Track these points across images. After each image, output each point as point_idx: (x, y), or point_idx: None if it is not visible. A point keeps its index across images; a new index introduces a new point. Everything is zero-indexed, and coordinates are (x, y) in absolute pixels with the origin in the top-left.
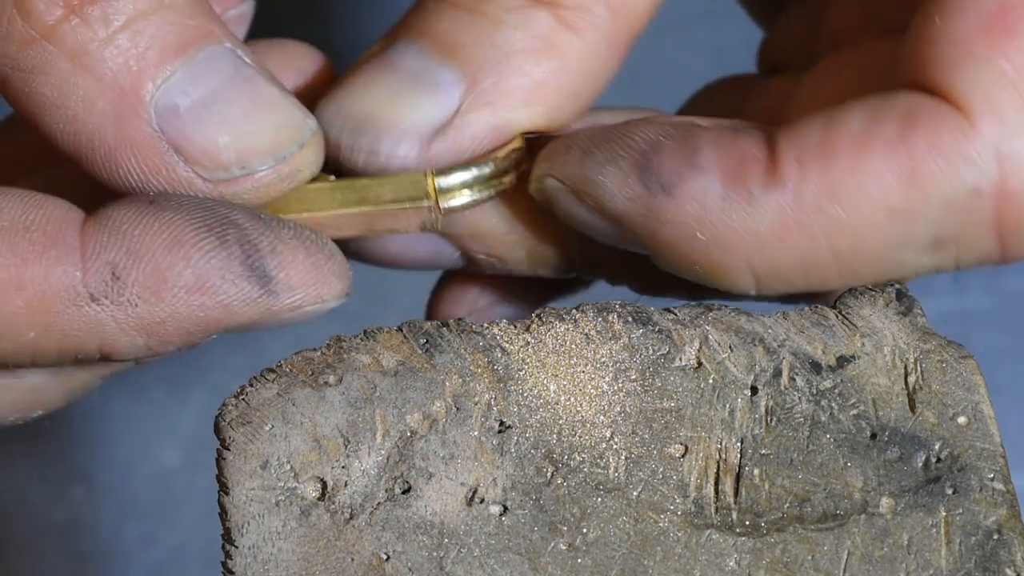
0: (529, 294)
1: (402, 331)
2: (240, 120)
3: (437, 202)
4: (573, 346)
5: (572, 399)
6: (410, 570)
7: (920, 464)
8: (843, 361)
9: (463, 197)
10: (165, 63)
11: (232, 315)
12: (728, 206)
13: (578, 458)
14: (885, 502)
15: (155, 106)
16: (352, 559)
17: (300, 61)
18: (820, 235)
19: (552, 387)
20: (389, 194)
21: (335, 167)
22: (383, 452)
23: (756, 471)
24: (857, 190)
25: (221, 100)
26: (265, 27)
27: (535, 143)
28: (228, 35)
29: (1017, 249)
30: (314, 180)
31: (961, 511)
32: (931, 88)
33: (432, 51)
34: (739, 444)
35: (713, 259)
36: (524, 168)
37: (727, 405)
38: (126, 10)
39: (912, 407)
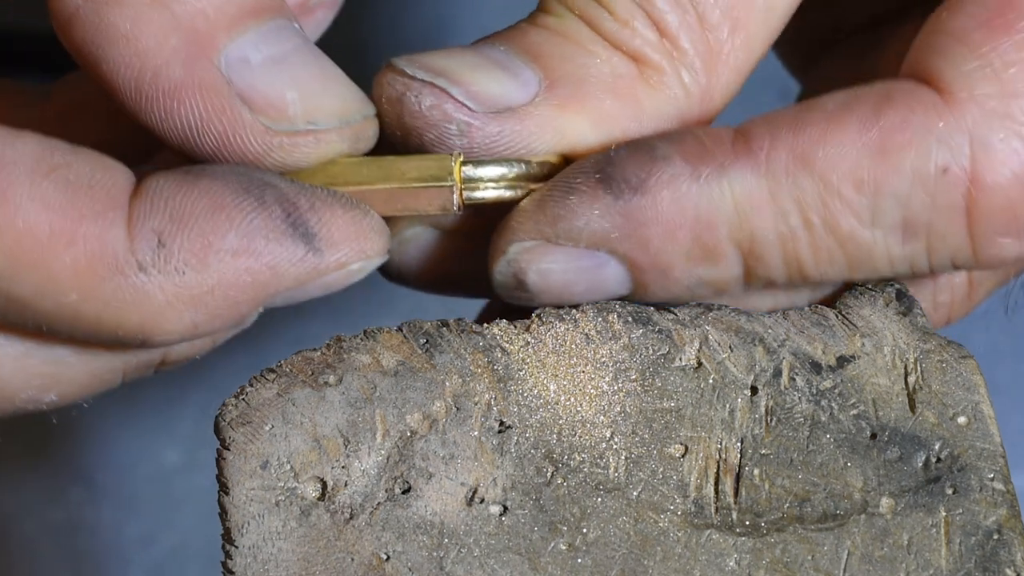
0: None
1: (402, 331)
2: (309, 81)
3: (461, 184)
4: (573, 346)
5: (572, 399)
6: (410, 570)
7: (920, 464)
8: (843, 361)
9: (488, 191)
10: (241, 20)
11: (279, 277)
12: (703, 180)
13: (578, 458)
14: (885, 502)
15: (226, 55)
16: (352, 559)
17: None
18: (792, 205)
19: (552, 387)
20: (414, 172)
21: (389, 111)
22: (383, 452)
23: (756, 471)
24: (826, 159)
25: (291, 62)
26: None
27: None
28: (296, 19)
29: (987, 246)
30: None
31: (961, 511)
32: (918, 74)
33: (519, 52)
34: (739, 444)
35: (701, 243)
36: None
37: (727, 405)
38: None
39: (912, 407)
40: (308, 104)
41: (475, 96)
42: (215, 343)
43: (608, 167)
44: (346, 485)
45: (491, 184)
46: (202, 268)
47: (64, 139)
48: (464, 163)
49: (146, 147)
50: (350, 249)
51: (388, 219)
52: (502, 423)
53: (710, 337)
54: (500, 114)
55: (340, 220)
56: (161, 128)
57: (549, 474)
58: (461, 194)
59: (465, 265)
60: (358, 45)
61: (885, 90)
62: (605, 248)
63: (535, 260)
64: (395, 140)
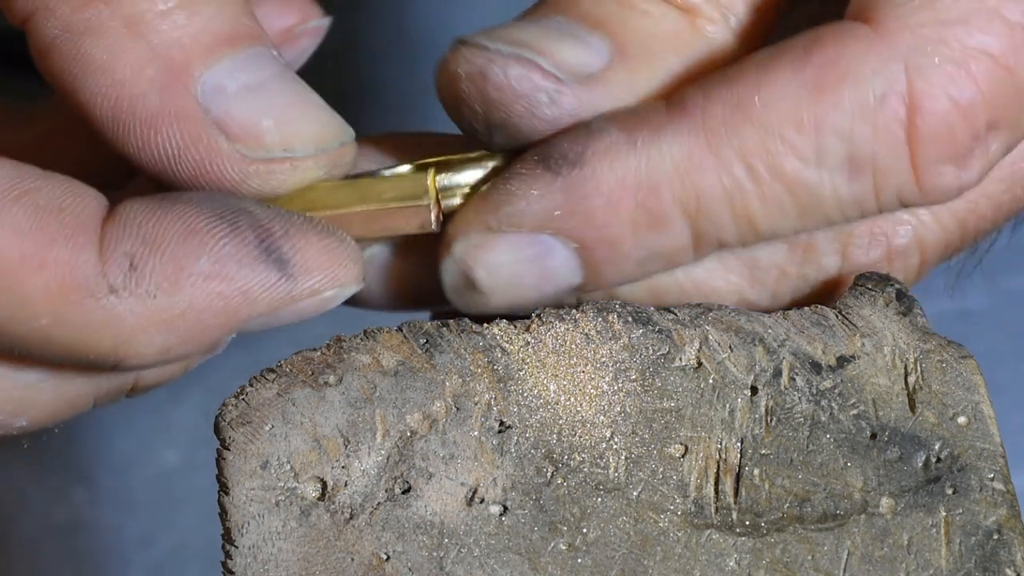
0: None
1: (402, 331)
2: (285, 109)
3: (438, 200)
4: (573, 346)
5: (572, 399)
6: (410, 570)
7: (920, 464)
8: (843, 361)
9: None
10: (217, 48)
11: (251, 303)
12: (640, 146)
13: (578, 458)
14: (885, 502)
15: (202, 84)
16: (352, 559)
17: (277, 2)
18: (734, 156)
19: (552, 387)
20: (390, 192)
21: (469, 89)
22: (383, 452)
23: (756, 471)
24: (763, 104)
25: (268, 90)
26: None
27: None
28: (274, 46)
29: (930, 176)
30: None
31: (961, 511)
32: (856, 12)
33: (580, 21)
34: (739, 444)
35: (645, 209)
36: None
37: (727, 405)
38: None
39: (912, 407)
40: (284, 131)
41: (560, 65)
42: (187, 369)
43: (545, 147)
44: (346, 485)
45: (468, 190)
46: (174, 292)
47: (45, 160)
48: (439, 172)
49: (128, 169)
50: (324, 276)
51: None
52: (502, 423)
53: (710, 337)
54: (584, 81)
55: (315, 247)
56: (139, 156)
57: (549, 474)
58: (439, 211)
59: (426, 280)
60: (358, 45)
61: (814, 32)
62: (550, 229)
63: (481, 255)
64: (472, 119)
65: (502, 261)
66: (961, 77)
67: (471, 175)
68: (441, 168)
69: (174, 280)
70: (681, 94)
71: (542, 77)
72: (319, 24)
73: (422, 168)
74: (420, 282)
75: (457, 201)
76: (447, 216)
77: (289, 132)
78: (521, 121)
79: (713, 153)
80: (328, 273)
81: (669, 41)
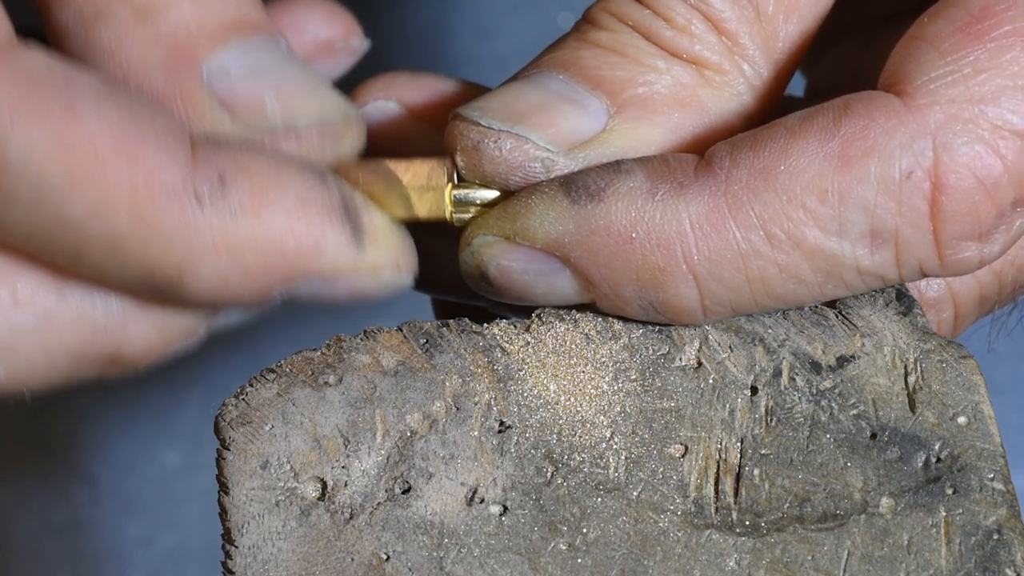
0: None
1: (402, 331)
2: (288, 86)
3: (450, 190)
4: (573, 346)
5: (572, 399)
6: (410, 570)
7: (920, 464)
8: (843, 361)
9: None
10: (222, 34)
11: (319, 256)
12: (658, 198)
13: (578, 458)
14: (885, 502)
15: (208, 67)
16: (352, 559)
17: (322, 11)
18: (754, 220)
19: (552, 387)
20: (408, 176)
21: (466, 160)
22: (383, 452)
23: (756, 471)
24: (788, 172)
25: (271, 72)
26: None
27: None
28: (284, 38)
29: (953, 251)
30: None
31: (961, 511)
32: (890, 79)
33: (579, 80)
34: (739, 444)
35: (651, 263)
36: None
37: (727, 405)
38: None
39: (912, 407)
40: (287, 106)
41: (553, 138)
42: (174, 347)
43: (574, 175)
44: (346, 485)
45: (482, 206)
46: (255, 216)
47: None
48: (455, 187)
49: None
50: (388, 255)
51: None
52: (502, 423)
53: (710, 337)
54: (578, 146)
55: (386, 226)
56: None
57: (549, 474)
58: (451, 198)
59: (445, 262)
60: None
61: (844, 101)
62: (559, 253)
63: (495, 256)
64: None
65: (513, 267)
66: (988, 156)
67: (485, 194)
68: (459, 184)
69: (258, 205)
70: (710, 153)
71: (535, 149)
72: (359, 45)
73: (440, 155)
74: (436, 266)
75: (471, 192)
76: (460, 207)
77: (291, 106)
78: (519, 189)
79: (733, 217)
80: (392, 253)
81: (674, 96)
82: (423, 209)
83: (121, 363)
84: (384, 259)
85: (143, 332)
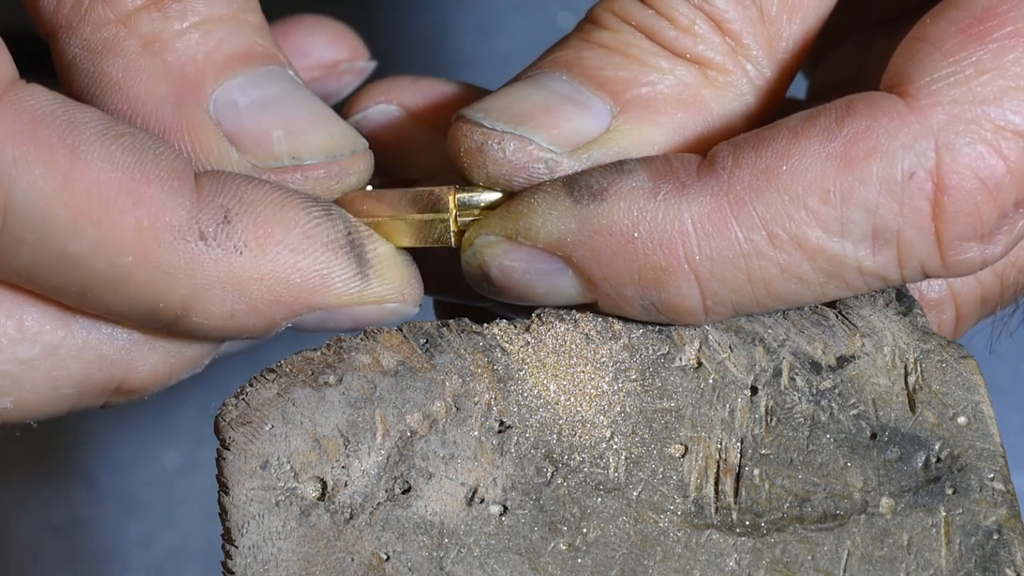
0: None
1: (402, 331)
2: (296, 120)
3: (456, 218)
4: (573, 346)
5: (572, 399)
6: (410, 570)
7: (920, 464)
8: (843, 361)
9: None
10: (230, 66)
11: (324, 290)
12: (661, 198)
13: (578, 458)
14: (885, 502)
15: (215, 99)
16: (352, 559)
17: (328, 32)
18: (756, 220)
19: (552, 387)
20: (413, 206)
21: (470, 162)
22: (383, 452)
23: (756, 471)
24: (790, 172)
25: (279, 104)
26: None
27: None
28: (292, 67)
29: (955, 252)
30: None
31: (961, 511)
32: (893, 80)
33: (582, 81)
34: (739, 444)
35: (653, 262)
36: None
37: (727, 405)
38: (202, 12)
39: (912, 407)
40: (293, 141)
41: (556, 139)
42: (180, 376)
43: (577, 174)
44: (346, 485)
45: (485, 209)
46: (260, 254)
47: None
48: (459, 191)
49: None
50: (393, 287)
51: None
52: (502, 423)
53: (710, 337)
54: (582, 147)
55: (392, 257)
56: None
57: (549, 474)
58: (457, 226)
59: (446, 264)
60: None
61: (847, 101)
62: (561, 253)
63: (497, 256)
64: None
65: (515, 267)
66: (991, 156)
67: (491, 195)
68: (462, 187)
69: (263, 242)
70: (713, 153)
71: (538, 150)
72: (365, 66)
73: (445, 185)
74: (441, 269)
75: (475, 195)
76: (464, 210)
77: (298, 142)
78: (523, 188)
79: (735, 217)
80: (398, 285)
81: (677, 96)
82: (429, 238)
83: (127, 393)
84: (389, 291)
85: (149, 363)
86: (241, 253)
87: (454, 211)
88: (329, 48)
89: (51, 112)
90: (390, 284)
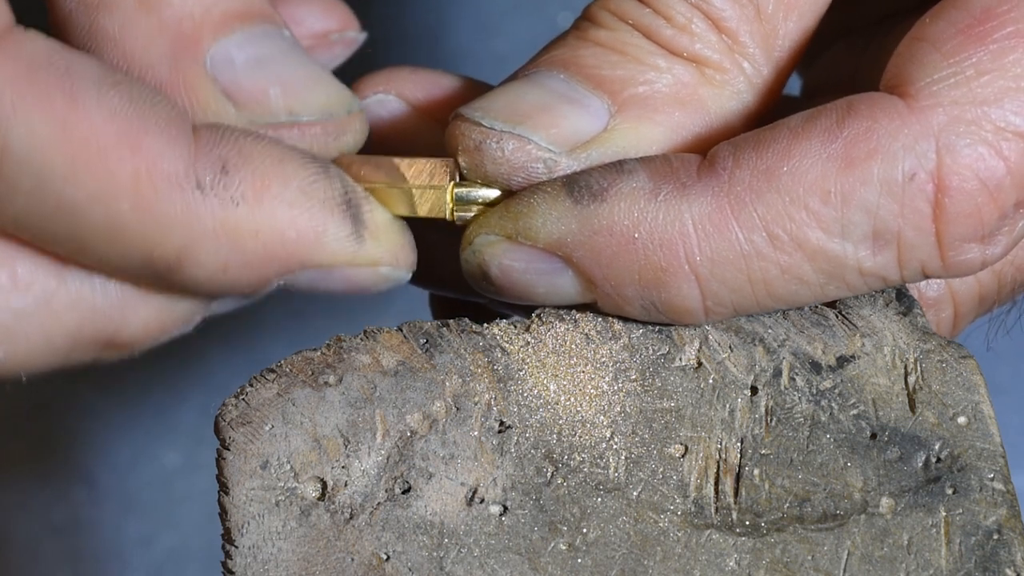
0: None
1: (402, 331)
2: (292, 78)
3: (452, 191)
4: (573, 346)
5: (572, 399)
6: (410, 570)
7: (920, 464)
8: (843, 361)
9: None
10: (227, 23)
11: (319, 247)
12: (661, 198)
13: (578, 458)
14: (885, 502)
15: (211, 56)
16: (352, 559)
17: (319, 2)
18: (757, 221)
19: (552, 387)
20: (410, 173)
21: (468, 161)
22: (383, 452)
23: (756, 471)
24: (791, 173)
25: (275, 62)
26: None
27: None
28: (288, 28)
29: (955, 253)
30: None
31: (961, 511)
32: (892, 80)
33: (580, 80)
34: (739, 444)
35: (653, 263)
36: None
37: (727, 405)
38: None
39: (912, 407)
40: (290, 99)
41: (554, 139)
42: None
43: (577, 174)
44: (346, 485)
45: (484, 205)
46: (256, 206)
47: None
48: (457, 186)
49: None
50: (387, 250)
51: None
52: (502, 423)
53: (710, 337)
54: (580, 146)
55: (387, 221)
56: None
57: (549, 474)
58: (453, 198)
59: (444, 258)
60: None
61: (847, 102)
62: (561, 253)
63: (497, 255)
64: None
65: (515, 267)
66: (991, 157)
67: (489, 191)
68: (460, 183)
69: (260, 195)
70: (713, 153)
71: (536, 149)
72: (355, 37)
73: (443, 154)
74: (438, 261)
75: (472, 191)
76: (461, 205)
77: (295, 99)
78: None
79: (736, 218)
80: (392, 249)
81: (674, 95)
82: (424, 207)
83: (119, 347)
84: (383, 254)
85: (141, 316)
86: (238, 205)
87: (451, 184)
88: (320, 18)
89: (49, 58)
90: (385, 247)
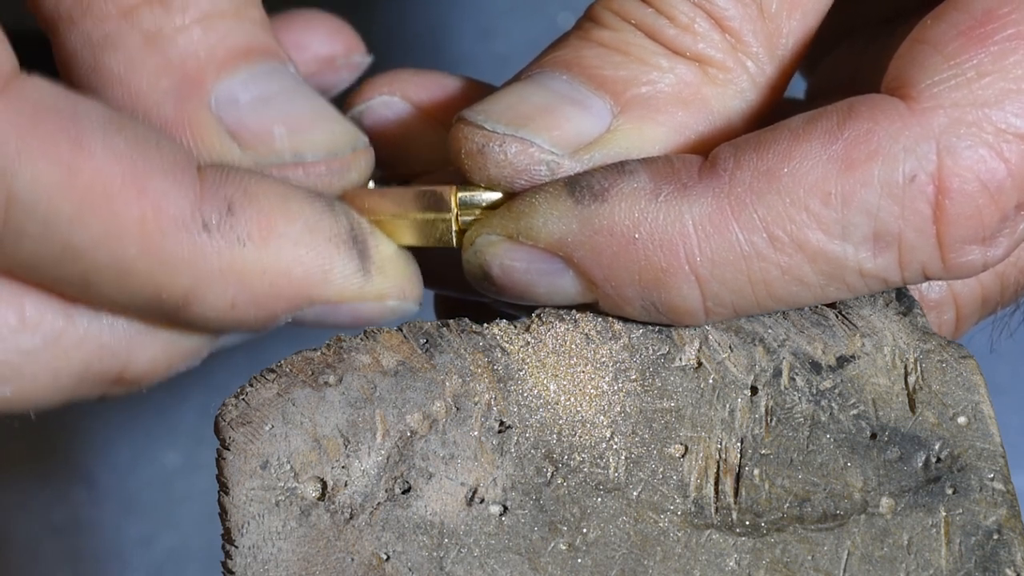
0: None
1: (402, 331)
2: (297, 117)
3: (457, 218)
4: (573, 346)
5: (572, 399)
6: (410, 570)
7: (920, 464)
8: (843, 361)
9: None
10: (231, 62)
11: (326, 284)
12: (662, 199)
13: (578, 458)
14: (885, 502)
15: (216, 95)
16: (352, 559)
17: (325, 26)
18: (757, 222)
19: (552, 387)
20: (414, 204)
21: (471, 164)
22: (383, 452)
23: (756, 471)
24: (792, 174)
25: (280, 101)
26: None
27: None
28: (293, 63)
29: (956, 254)
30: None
31: (961, 511)
32: (894, 82)
33: (582, 81)
34: (739, 444)
35: (654, 264)
36: None
37: (727, 405)
38: (204, 7)
39: (912, 407)
40: (295, 138)
41: (557, 141)
42: (179, 367)
43: (579, 175)
44: (346, 485)
45: (487, 209)
46: (262, 246)
47: None
48: (460, 190)
49: None
50: (395, 284)
51: None
52: (502, 423)
53: (710, 337)
54: (583, 148)
55: (394, 254)
56: None
57: (549, 474)
58: (459, 225)
59: (448, 258)
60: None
61: (848, 104)
62: (562, 253)
63: (498, 255)
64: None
65: (516, 267)
66: (992, 159)
67: (491, 195)
68: (463, 187)
69: (266, 234)
70: (714, 154)
71: (539, 152)
72: (361, 60)
73: (446, 184)
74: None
75: (475, 195)
76: (464, 209)
77: (300, 139)
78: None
79: (735, 218)
80: (399, 282)
81: (677, 95)
82: (431, 237)
83: (126, 383)
84: (390, 288)
85: (148, 353)
86: (244, 244)
87: (456, 211)
88: (326, 43)
89: (53, 103)
90: (391, 281)
